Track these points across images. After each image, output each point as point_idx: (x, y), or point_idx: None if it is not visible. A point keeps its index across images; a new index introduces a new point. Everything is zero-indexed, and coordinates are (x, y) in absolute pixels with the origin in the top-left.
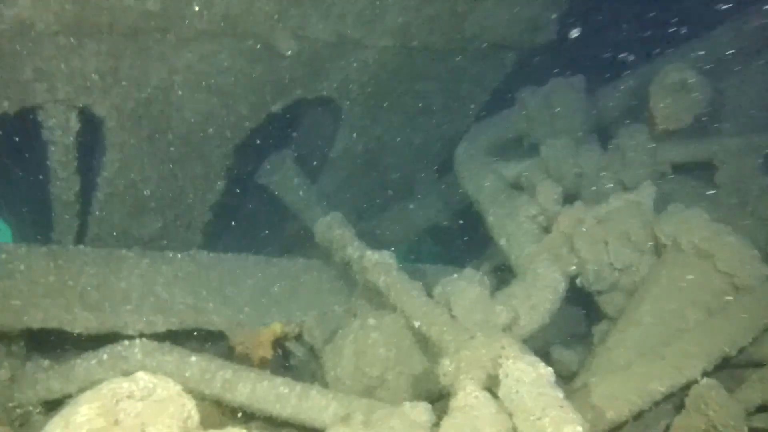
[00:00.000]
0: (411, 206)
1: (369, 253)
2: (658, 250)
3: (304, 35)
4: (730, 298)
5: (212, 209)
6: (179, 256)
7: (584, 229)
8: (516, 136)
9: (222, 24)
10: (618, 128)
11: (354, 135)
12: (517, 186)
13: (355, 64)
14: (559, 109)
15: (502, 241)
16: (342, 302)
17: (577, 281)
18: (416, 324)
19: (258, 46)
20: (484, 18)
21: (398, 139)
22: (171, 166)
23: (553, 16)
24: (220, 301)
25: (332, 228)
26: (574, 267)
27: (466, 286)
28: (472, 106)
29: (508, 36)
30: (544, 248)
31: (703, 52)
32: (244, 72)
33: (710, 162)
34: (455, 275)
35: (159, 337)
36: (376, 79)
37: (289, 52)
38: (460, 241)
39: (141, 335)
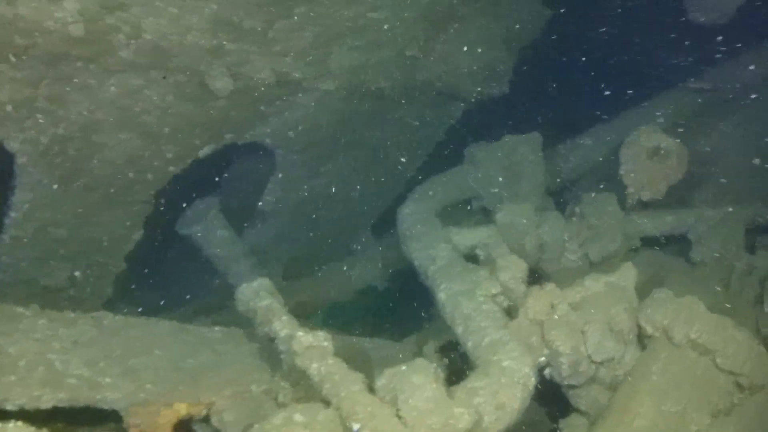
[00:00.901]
0: (345, 266)
1: (301, 334)
2: (642, 340)
3: (240, 73)
4: (737, 399)
5: (128, 260)
6: (81, 317)
7: (557, 316)
8: (465, 198)
9: (151, 56)
10: (577, 192)
11: (288, 185)
12: (471, 257)
13: (293, 108)
14: (514, 169)
15: (458, 325)
16: (262, 381)
17: (546, 373)
18: (355, 428)
19: (190, 84)
20: (438, 64)
21: (336, 192)
22: (86, 209)
23: (509, 66)
24: (120, 375)
25: (258, 297)
26: (544, 358)
27: (418, 383)
28: (416, 159)
29: (461, 85)
30: (510, 336)
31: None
32: (173, 111)
33: (685, 236)
34: (404, 367)
35: (44, 415)
36: (316, 126)
37: (224, 92)
38: (398, 306)
39: (23, 411)
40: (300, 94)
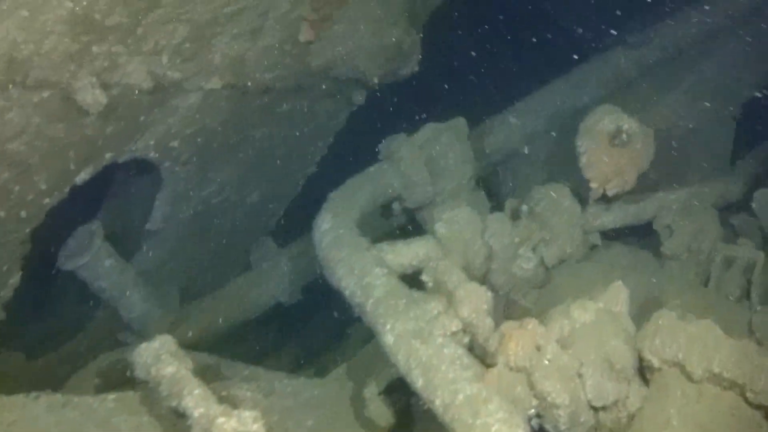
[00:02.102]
0: (244, 281)
1: (222, 419)
2: (643, 371)
3: (111, 81)
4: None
5: (5, 308)
6: None
7: (547, 361)
8: (386, 200)
9: (5, 71)
10: (511, 180)
11: (177, 200)
12: (409, 277)
13: (176, 114)
14: (439, 162)
15: (415, 377)
16: None
17: (533, 423)
18: None
19: (55, 100)
20: (332, 47)
21: (231, 200)
22: None
23: (417, 41)
24: None
25: (161, 362)
26: (533, 410)
27: None
28: (316, 154)
29: (361, 69)
30: (489, 389)
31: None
32: (41, 135)
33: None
34: None
35: None
36: (203, 130)
37: (96, 107)
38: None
39: None
40: (181, 97)
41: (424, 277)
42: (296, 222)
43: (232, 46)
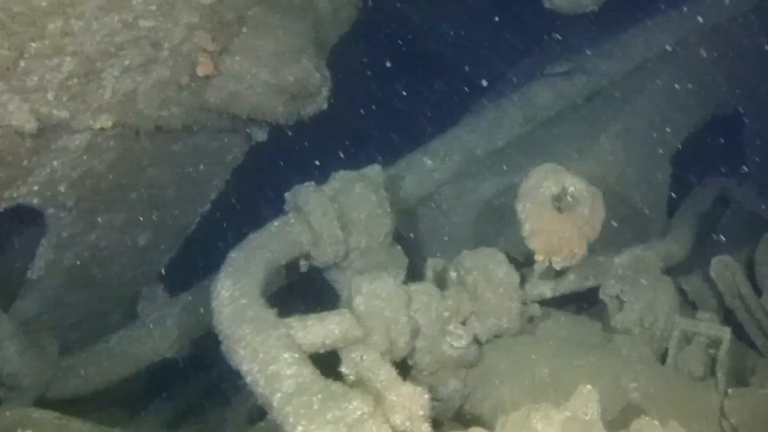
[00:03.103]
0: (129, 333)
1: None
2: None
3: None
4: None
5: None
6: None
7: None
8: (292, 258)
9: None
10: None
11: (61, 246)
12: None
13: (61, 156)
14: (352, 216)
15: None
16: None
17: None
18: None
19: None
20: (231, 81)
21: (119, 244)
22: None
23: (325, 74)
24: None
25: None
26: None
27: None
28: (211, 192)
29: (262, 105)
30: None
31: None
32: None
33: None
34: None
35: None
36: (91, 173)
37: None
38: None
39: None
40: (68, 138)
41: (344, 370)
42: (190, 264)
43: (123, 80)
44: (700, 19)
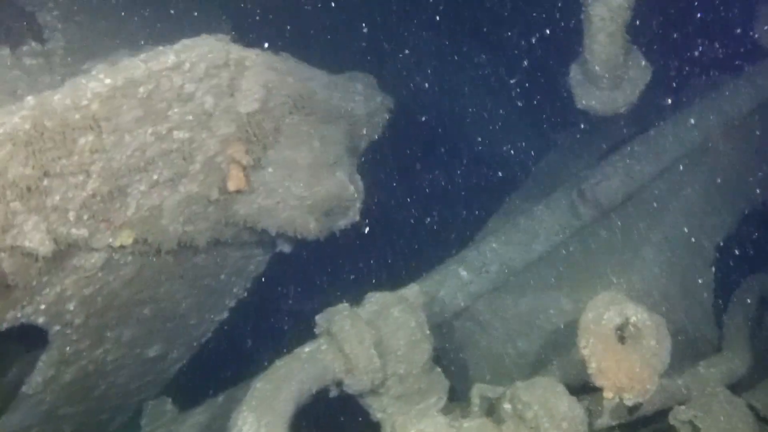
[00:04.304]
0: None
1: None
2: None
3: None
4: None
5: None
6: None
7: None
8: (323, 387)
9: None
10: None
11: (63, 362)
12: None
13: (75, 275)
14: (390, 342)
15: None
16: None
17: None
18: None
19: None
20: (264, 196)
21: (127, 357)
22: None
23: (358, 184)
24: None
25: None
26: None
27: None
28: (230, 301)
29: (296, 222)
30: None
31: None
32: None
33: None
34: None
35: None
36: (104, 290)
37: None
38: None
39: None
40: (84, 256)
41: None
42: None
43: (150, 196)
44: (723, 113)
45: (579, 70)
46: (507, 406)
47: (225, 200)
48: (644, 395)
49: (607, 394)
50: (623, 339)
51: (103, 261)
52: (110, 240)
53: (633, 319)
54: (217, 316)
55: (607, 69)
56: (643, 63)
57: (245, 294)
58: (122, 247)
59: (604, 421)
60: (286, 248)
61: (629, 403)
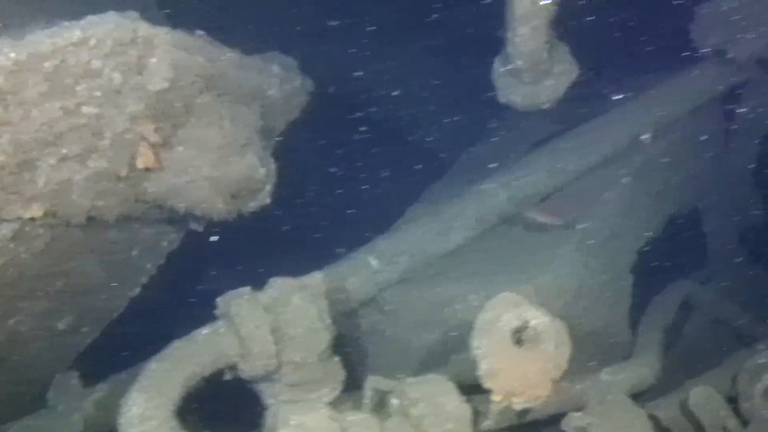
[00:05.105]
0: (33, 423)
1: None
2: None
3: None
4: None
5: None
6: None
7: None
8: (217, 370)
9: None
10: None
11: None
12: None
13: None
14: (288, 329)
15: None
16: None
17: None
18: None
19: None
20: (174, 175)
21: (37, 330)
22: None
23: (271, 168)
24: None
25: None
26: None
27: None
28: (142, 276)
29: (202, 202)
30: None
31: None
32: None
33: None
34: None
35: None
36: (14, 262)
37: None
38: None
39: None
40: None
41: None
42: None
43: (59, 169)
44: (652, 116)
45: (502, 63)
46: (395, 401)
47: (134, 177)
48: (535, 401)
49: (496, 398)
50: (521, 342)
51: (14, 232)
52: (21, 212)
53: (533, 322)
54: (130, 292)
55: (530, 63)
56: (570, 59)
57: (157, 271)
58: (32, 219)
59: (490, 423)
60: (197, 227)
61: (518, 407)
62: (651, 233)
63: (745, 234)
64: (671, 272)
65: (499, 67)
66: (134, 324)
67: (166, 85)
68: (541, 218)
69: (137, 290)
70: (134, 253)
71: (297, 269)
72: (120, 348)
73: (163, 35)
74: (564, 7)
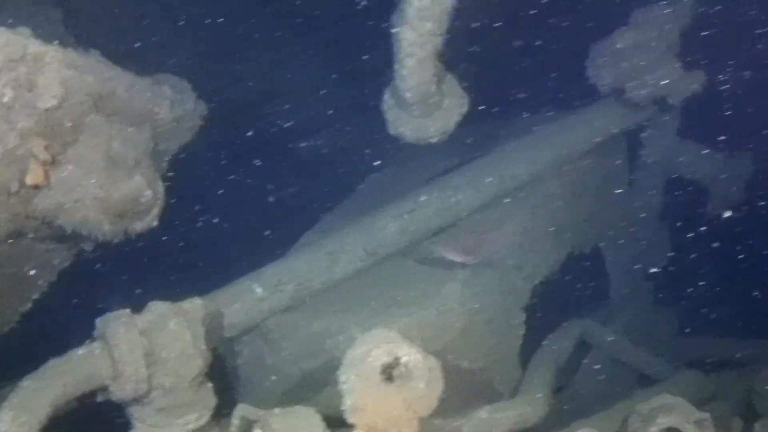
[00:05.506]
0: None
1: None
2: None
3: None
4: None
5: None
6: None
7: None
8: (91, 390)
9: None
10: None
11: None
12: None
13: None
14: (164, 354)
15: None
16: None
17: None
18: None
19: None
20: (62, 193)
21: None
22: None
23: (159, 189)
24: None
25: None
26: None
27: None
28: (33, 293)
29: (87, 221)
30: None
31: None
32: None
33: None
34: None
35: None
36: None
37: None
38: None
39: None
40: None
41: None
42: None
43: None
44: (555, 153)
45: (391, 95)
46: (258, 431)
47: (25, 193)
48: None
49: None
50: (392, 379)
51: None
52: None
53: (404, 359)
54: (21, 307)
55: (417, 96)
56: (460, 93)
57: (48, 288)
58: None
59: None
60: (87, 246)
61: None
62: (547, 271)
63: (650, 274)
64: (571, 310)
65: (388, 99)
66: (24, 339)
67: (55, 102)
68: (452, 256)
69: (28, 305)
70: (26, 268)
71: (187, 291)
72: (7, 363)
73: (53, 53)
74: (456, 40)
